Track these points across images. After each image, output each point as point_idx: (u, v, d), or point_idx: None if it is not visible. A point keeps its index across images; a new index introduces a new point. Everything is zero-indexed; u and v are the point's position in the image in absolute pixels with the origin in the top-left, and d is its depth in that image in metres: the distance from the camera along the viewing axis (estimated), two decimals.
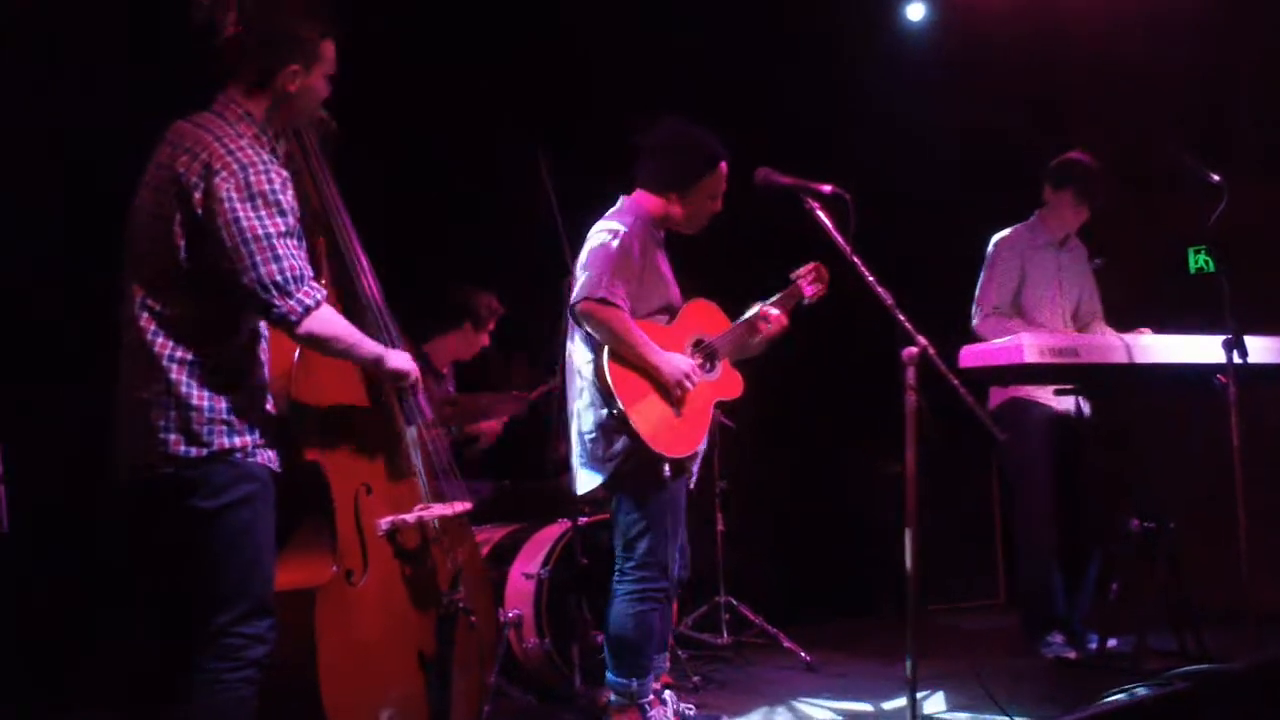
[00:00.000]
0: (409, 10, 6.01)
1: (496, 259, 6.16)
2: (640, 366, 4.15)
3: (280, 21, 3.22)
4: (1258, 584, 4.43)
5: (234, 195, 3.04)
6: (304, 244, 3.20)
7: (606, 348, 4.12)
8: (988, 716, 4.46)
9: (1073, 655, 5.35)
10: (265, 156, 3.14)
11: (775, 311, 4.49)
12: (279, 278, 3.06)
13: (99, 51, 4.83)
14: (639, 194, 4.41)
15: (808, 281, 4.60)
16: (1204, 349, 4.71)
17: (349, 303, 3.67)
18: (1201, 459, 4.78)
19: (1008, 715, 4.21)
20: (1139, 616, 5.05)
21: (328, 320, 3.20)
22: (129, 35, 4.85)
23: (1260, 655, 4.16)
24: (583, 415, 4.22)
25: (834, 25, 7.21)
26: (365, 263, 3.72)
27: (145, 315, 3.10)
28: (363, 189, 3.86)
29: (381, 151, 5.60)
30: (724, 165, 4.36)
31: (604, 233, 4.25)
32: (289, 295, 3.07)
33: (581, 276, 4.20)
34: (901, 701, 4.74)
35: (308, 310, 3.10)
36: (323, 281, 3.56)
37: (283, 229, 3.08)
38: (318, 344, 3.26)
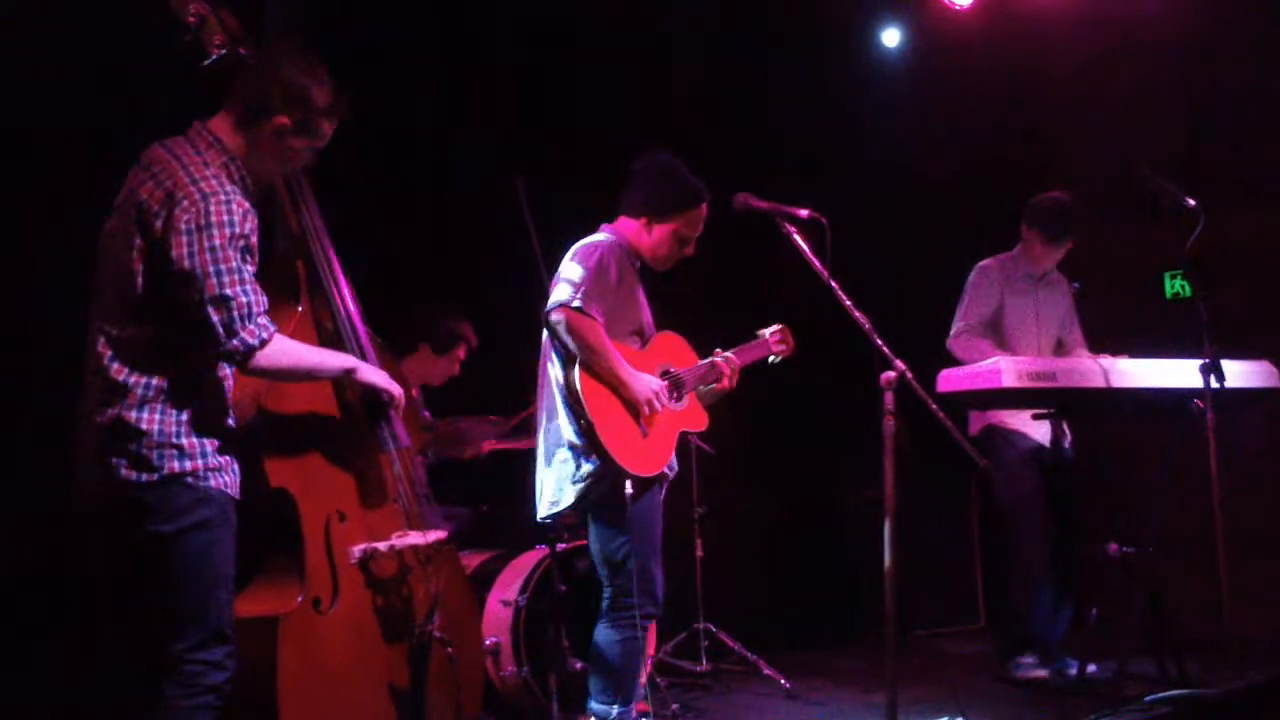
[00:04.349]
0: (389, 36, 6.00)
1: (475, 284, 6.14)
2: (610, 382, 4.13)
3: (285, 71, 3.22)
4: (1236, 609, 4.43)
5: (191, 227, 3.03)
6: (255, 275, 3.16)
7: (578, 359, 4.11)
8: None
9: (1044, 675, 5.37)
10: (229, 187, 3.12)
11: (734, 361, 4.51)
12: (226, 315, 3.06)
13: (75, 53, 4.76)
14: (620, 220, 4.41)
15: (774, 341, 4.65)
16: (1181, 374, 4.71)
17: (326, 328, 3.64)
18: (1179, 484, 4.76)
19: None
20: (1119, 642, 5.04)
21: (279, 353, 3.18)
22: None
23: (1239, 681, 4.16)
24: (555, 435, 4.20)
25: (810, 51, 7.24)
26: (346, 288, 3.70)
27: (102, 340, 3.09)
28: (342, 213, 3.83)
29: (359, 176, 5.57)
30: (704, 206, 4.35)
31: (582, 248, 4.24)
32: (234, 334, 3.07)
33: (557, 286, 4.17)
34: None
35: (251, 349, 3.10)
36: (299, 307, 3.54)
37: (235, 264, 3.06)
38: (272, 377, 3.28)
